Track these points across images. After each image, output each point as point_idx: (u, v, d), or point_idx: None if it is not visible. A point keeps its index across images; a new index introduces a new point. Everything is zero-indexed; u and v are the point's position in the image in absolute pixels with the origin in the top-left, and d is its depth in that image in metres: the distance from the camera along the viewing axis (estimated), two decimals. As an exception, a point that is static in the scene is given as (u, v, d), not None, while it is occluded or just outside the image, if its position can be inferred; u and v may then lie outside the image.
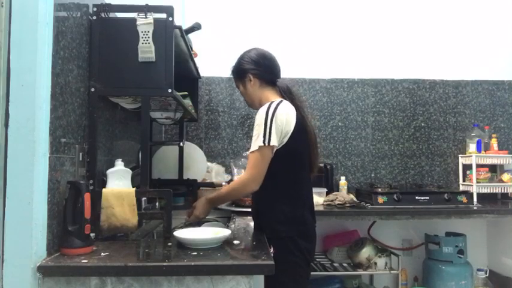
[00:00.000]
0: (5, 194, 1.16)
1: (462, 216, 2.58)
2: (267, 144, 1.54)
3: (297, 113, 1.63)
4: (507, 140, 3.13)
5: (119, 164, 1.60)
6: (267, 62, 1.73)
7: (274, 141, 1.54)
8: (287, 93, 1.70)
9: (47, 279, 1.16)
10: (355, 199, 2.55)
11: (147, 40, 1.49)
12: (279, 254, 1.52)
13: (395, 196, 2.49)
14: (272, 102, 1.61)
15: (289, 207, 1.61)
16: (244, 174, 1.60)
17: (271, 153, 1.57)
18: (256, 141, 1.56)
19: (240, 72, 1.76)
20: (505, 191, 2.91)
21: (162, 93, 1.56)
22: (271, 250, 1.51)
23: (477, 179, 2.86)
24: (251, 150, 1.58)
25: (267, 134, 1.54)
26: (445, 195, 2.52)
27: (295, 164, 1.63)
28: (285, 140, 1.58)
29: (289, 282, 1.57)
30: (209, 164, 2.68)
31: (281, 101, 1.62)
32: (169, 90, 1.53)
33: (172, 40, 1.54)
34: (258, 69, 1.71)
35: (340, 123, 3.08)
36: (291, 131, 1.58)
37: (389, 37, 3.13)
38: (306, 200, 1.69)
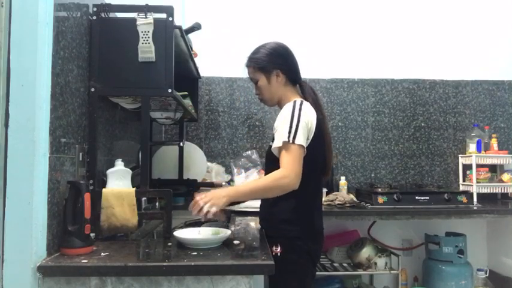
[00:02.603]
0: (5, 194, 1.16)
1: (462, 216, 2.58)
2: (291, 142, 1.49)
3: (317, 114, 1.62)
4: (507, 140, 3.12)
5: (119, 164, 1.60)
6: (294, 60, 1.71)
7: (301, 141, 1.51)
8: (311, 93, 1.69)
9: (47, 279, 1.16)
10: (355, 199, 2.55)
11: (147, 40, 1.49)
12: (285, 254, 1.52)
13: (395, 196, 2.49)
14: (295, 102, 1.59)
15: (299, 208, 1.60)
16: (281, 169, 1.49)
17: (300, 151, 1.51)
18: (281, 138, 1.52)
19: (266, 65, 1.67)
20: (505, 191, 2.91)
21: (162, 93, 1.56)
22: (278, 249, 1.51)
23: (477, 179, 2.86)
24: (275, 145, 1.54)
25: (292, 131, 1.51)
26: (445, 195, 2.52)
27: (312, 165, 1.60)
28: (309, 140, 1.57)
29: (294, 282, 1.57)
30: (209, 164, 2.68)
31: (302, 101, 1.61)
32: (169, 90, 1.53)
33: (172, 40, 1.54)
34: (287, 66, 1.68)
35: (340, 123, 3.08)
36: (313, 132, 1.58)
37: (389, 37, 3.13)
38: (316, 202, 1.69)
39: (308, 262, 1.61)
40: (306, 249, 1.59)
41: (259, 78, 1.69)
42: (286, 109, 1.58)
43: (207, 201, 1.41)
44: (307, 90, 1.71)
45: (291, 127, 1.51)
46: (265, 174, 1.68)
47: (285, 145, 1.51)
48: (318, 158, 1.63)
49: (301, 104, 1.58)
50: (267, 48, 1.70)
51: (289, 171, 1.48)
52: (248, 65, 1.73)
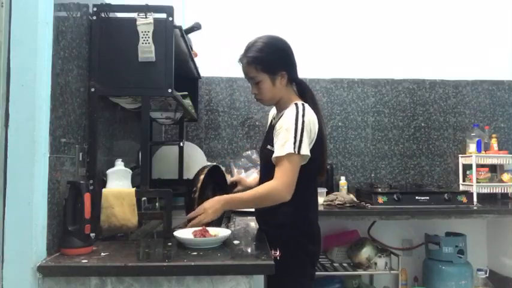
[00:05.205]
0: (5, 194, 1.16)
1: (462, 216, 2.58)
2: (296, 152, 1.44)
3: (317, 116, 1.57)
4: (507, 140, 3.12)
5: (119, 164, 1.60)
6: (294, 57, 1.62)
7: (306, 150, 1.47)
8: (309, 93, 1.64)
9: (47, 279, 1.16)
10: (355, 199, 2.55)
11: (147, 40, 1.49)
12: (284, 257, 1.50)
13: (395, 196, 2.49)
14: (298, 107, 1.52)
15: (297, 211, 1.58)
16: (274, 181, 1.46)
17: (302, 161, 1.48)
18: (285, 147, 1.45)
19: (273, 66, 1.56)
20: (505, 191, 2.91)
21: (162, 93, 1.56)
22: (278, 253, 1.49)
23: (477, 179, 2.86)
24: (277, 155, 1.47)
25: (297, 141, 1.45)
26: (445, 195, 2.52)
27: (312, 169, 1.57)
28: (311, 146, 1.52)
29: (293, 285, 1.56)
30: (209, 164, 2.68)
31: (303, 105, 1.55)
32: (169, 90, 1.53)
33: (172, 40, 1.54)
34: (291, 65, 1.59)
35: (340, 123, 3.08)
36: (315, 138, 1.54)
37: (389, 37, 3.13)
38: (313, 203, 1.68)
39: (307, 264, 1.60)
40: (305, 251, 1.58)
41: (262, 79, 1.56)
42: (290, 115, 1.50)
43: (201, 219, 1.46)
44: (305, 90, 1.66)
45: (295, 137, 1.45)
46: (262, 177, 1.65)
47: (289, 155, 1.45)
48: (316, 159, 1.59)
49: (303, 109, 1.52)
50: (269, 45, 1.58)
51: (282, 184, 1.45)
52: (249, 63, 1.58)
